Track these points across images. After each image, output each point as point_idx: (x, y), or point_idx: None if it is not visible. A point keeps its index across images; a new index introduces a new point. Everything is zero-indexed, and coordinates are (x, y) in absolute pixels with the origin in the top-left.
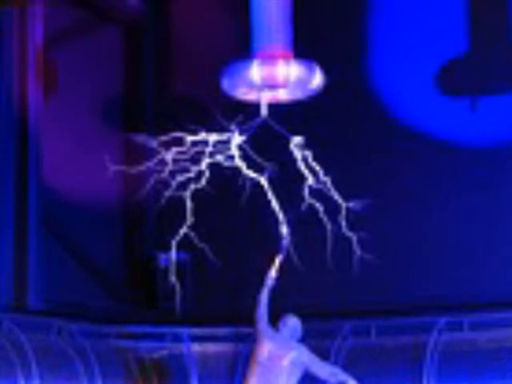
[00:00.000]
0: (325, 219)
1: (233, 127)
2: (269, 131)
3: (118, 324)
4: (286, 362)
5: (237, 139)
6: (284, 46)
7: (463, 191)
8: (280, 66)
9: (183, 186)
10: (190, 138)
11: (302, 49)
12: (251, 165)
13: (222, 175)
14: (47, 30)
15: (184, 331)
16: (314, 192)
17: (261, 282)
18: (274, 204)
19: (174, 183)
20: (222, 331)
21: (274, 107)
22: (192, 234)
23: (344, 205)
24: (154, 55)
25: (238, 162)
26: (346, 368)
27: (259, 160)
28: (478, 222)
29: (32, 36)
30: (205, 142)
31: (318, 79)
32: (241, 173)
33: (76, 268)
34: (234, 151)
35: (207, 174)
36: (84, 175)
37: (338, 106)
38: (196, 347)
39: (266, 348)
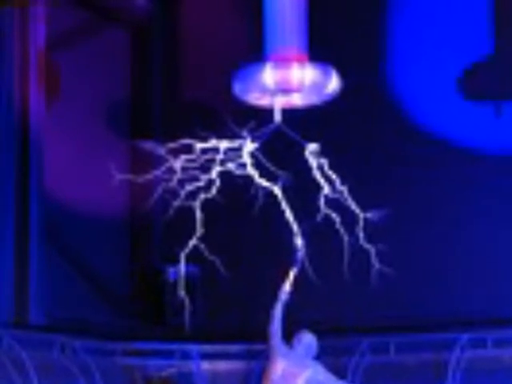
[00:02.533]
0: (341, 230)
1: (245, 134)
2: (283, 138)
3: (124, 340)
4: (300, 381)
5: (249, 146)
6: (298, 49)
7: (487, 201)
8: (294, 70)
9: (192, 195)
10: (199, 145)
11: (318, 51)
12: (264, 173)
13: (234, 184)
14: (50, 31)
15: (193, 348)
16: (330, 202)
17: (274, 297)
18: (288, 214)
19: (182, 192)
20: (233, 348)
21: (288, 113)
22: (202, 246)
23: (362, 215)
24: (162, 58)
25: (251, 171)
26: None
27: (272, 168)
28: (503, 233)
29: (34, 37)
30: (215, 150)
31: (334, 83)
32: (253, 182)
33: (80, 281)
34: (246, 159)
35: (218, 182)
36: (88, 184)
37: (355, 112)
38: (206, 365)
39: (279, 366)
